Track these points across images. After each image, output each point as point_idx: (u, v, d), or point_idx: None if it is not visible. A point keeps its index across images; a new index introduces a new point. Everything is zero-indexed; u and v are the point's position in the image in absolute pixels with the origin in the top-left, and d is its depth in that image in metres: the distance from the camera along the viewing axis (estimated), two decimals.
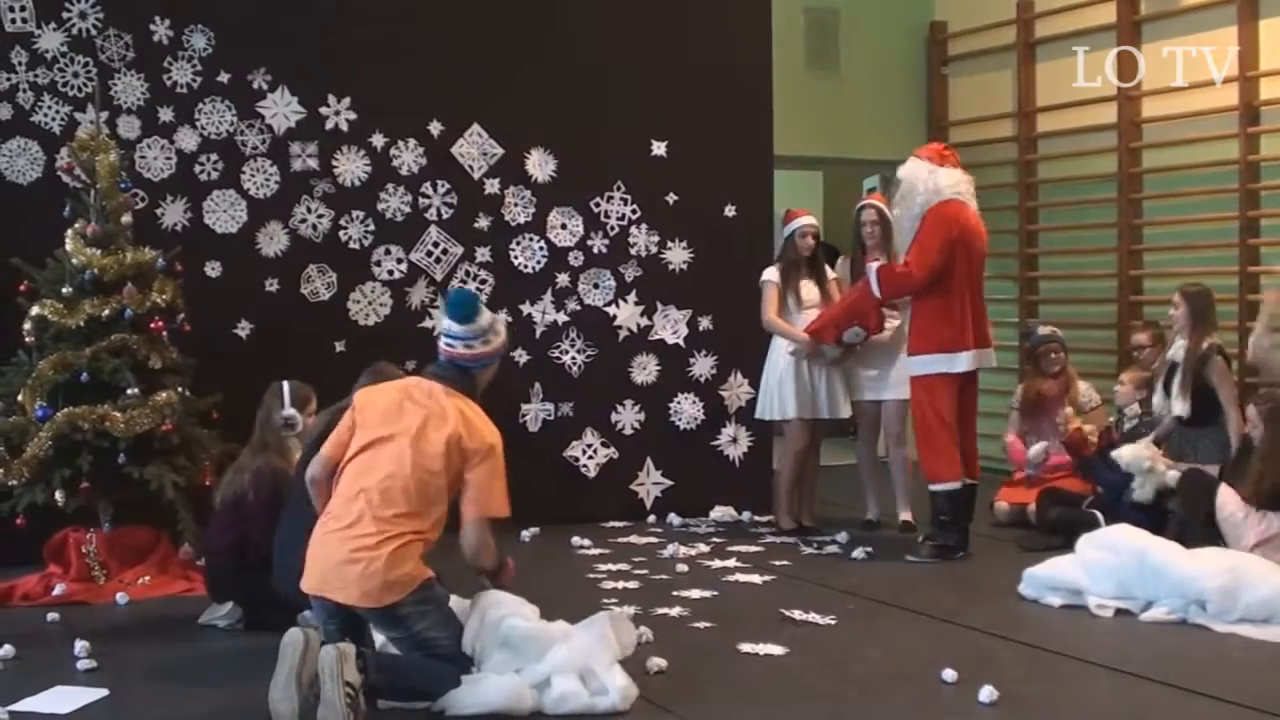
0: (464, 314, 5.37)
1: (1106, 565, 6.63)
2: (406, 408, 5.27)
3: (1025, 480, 9.07)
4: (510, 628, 5.20)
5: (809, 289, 8.75)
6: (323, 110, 8.74)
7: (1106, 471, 8.17)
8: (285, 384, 6.70)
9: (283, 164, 8.66)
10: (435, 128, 8.99)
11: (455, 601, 5.58)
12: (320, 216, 8.75)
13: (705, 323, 9.62)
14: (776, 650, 5.94)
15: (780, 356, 8.67)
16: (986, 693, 5.15)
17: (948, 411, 7.84)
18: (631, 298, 9.47)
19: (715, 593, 7.14)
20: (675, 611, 6.68)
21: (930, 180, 7.98)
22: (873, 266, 8.13)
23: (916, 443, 8.06)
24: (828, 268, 9.16)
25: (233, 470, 6.57)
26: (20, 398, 7.03)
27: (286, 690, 4.76)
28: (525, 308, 9.24)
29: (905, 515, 8.93)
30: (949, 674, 5.43)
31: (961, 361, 7.82)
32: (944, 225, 7.82)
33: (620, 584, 7.34)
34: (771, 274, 8.80)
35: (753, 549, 8.32)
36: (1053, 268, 11.53)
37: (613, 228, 9.45)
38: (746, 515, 9.41)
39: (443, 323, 5.46)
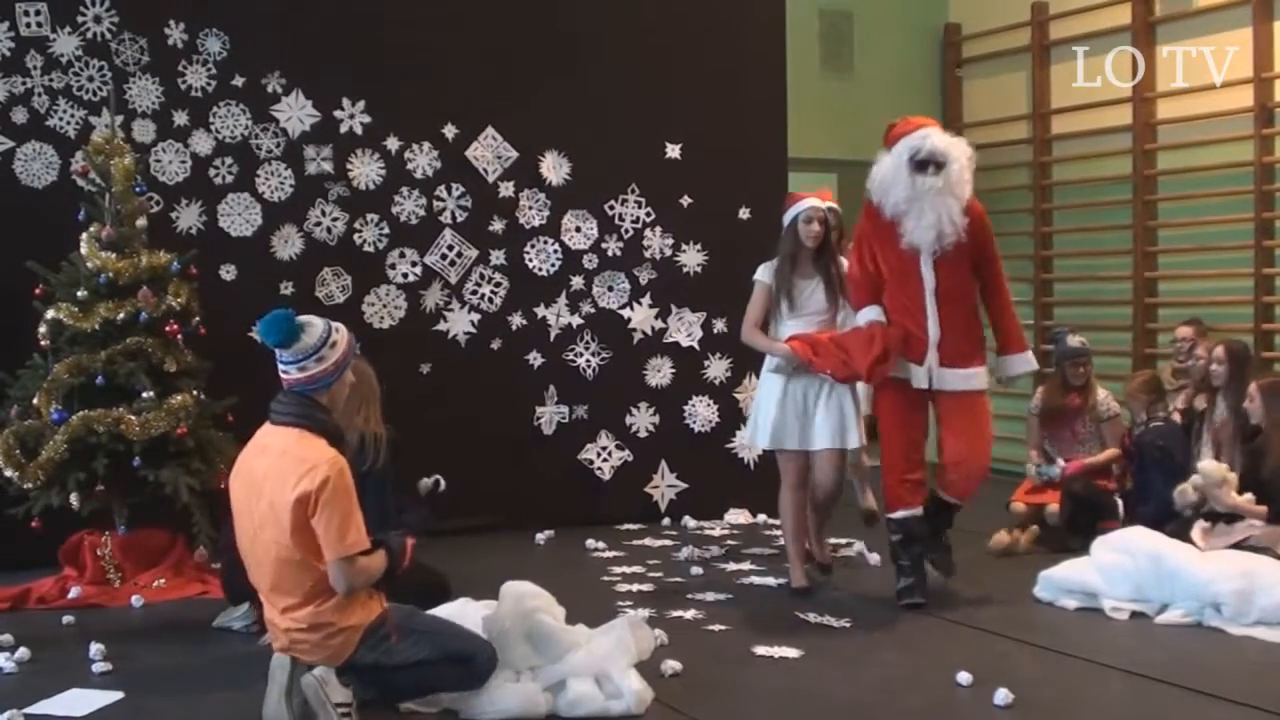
0: (277, 339, 4.90)
1: (1122, 568, 6.61)
2: (248, 502, 4.93)
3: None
4: (539, 623, 5.24)
5: (810, 291, 7.16)
6: (337, 114, 8.75)
7: (1139, 505, 8.14)
8: None
9: (297, 167, 8.67)
10: (450, 131, 9.00)
11: (462, 604, 5.60)
12: (335, 220, 8.76)
13: (719, 325, 9.61)
14: (791, 653, 5.94)
15: (765, 374, 7.27)
16: (1001, 695, 5.14)
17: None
18: (646, 300, 9.47)
19: (730, 596, 7.13)
20: (690, 614, 6.68)
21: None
22: None
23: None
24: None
25: None
26: (36, 401, 7.04)
27: (279, 710, 4.80)
28: (540, 310, 9.24)
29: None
30: (964, 676, 5.42)
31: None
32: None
33: (635, 587, 7.34)
34: (763, 272, 7.28)
35: (767, 552, 8.31)
36: (1067, 270, 11.51)
37: (627, 230, 9.45)
38: (761, 518, 9.41)
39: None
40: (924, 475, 6.91)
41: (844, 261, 7.26)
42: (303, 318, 5.03)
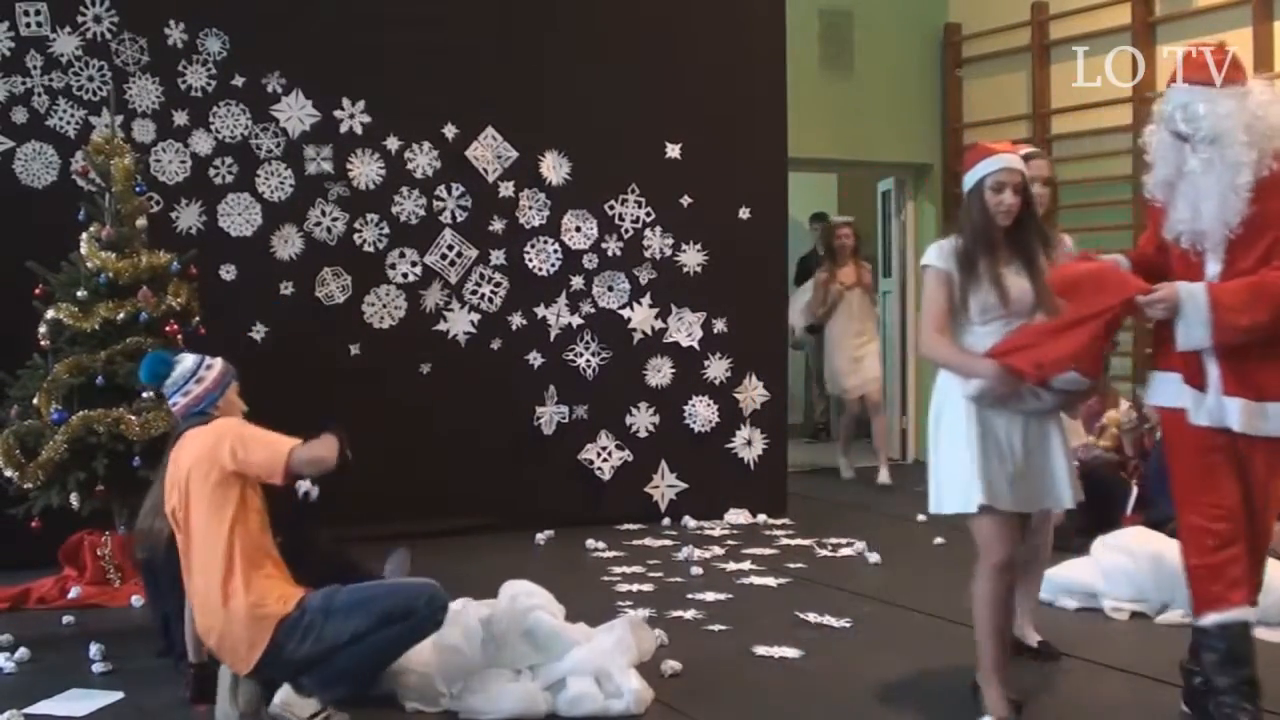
0: (153, 378, 5.42)
1: (1122, 568, 6.61)
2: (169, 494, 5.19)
3: None
4: (537, 621, 5.25)
5: (1014, 282, 4.91)
6: (337, 113, 8.75)
7: (1163, 504, 8.16)
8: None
9: (297, 167, 8.67)
10: (449, 131, 9.00)
11: (462, 603, 5.59)
12: (335, 220, 8.76)
13: (720, 325, 9.61)
14: (791, 653, 5.94)
15: (951, 403, 4.95)
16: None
17: None
18: (646, 300, 9.47)
19: (730, 596, 7.13)
20: (690, 614, 6.67)
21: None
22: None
23: None
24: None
25: (153, 512, 6.27)
26: (36, 401, 7.02)
27: (227, 711, 4.86)
28: (540, 310, 9.24)
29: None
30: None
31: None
32: None
33: (635, 587, 7.34)
34: (936, 254, 5.01)
35: (767, 552, 8.31)
36: None
37: (627, 230, 9.45)
38: (761, 518, 9.42)
39: None
40: (1243, 552, 4.73)
41: (1064, 241, 5.51)
42: (175, 356, 5.52)
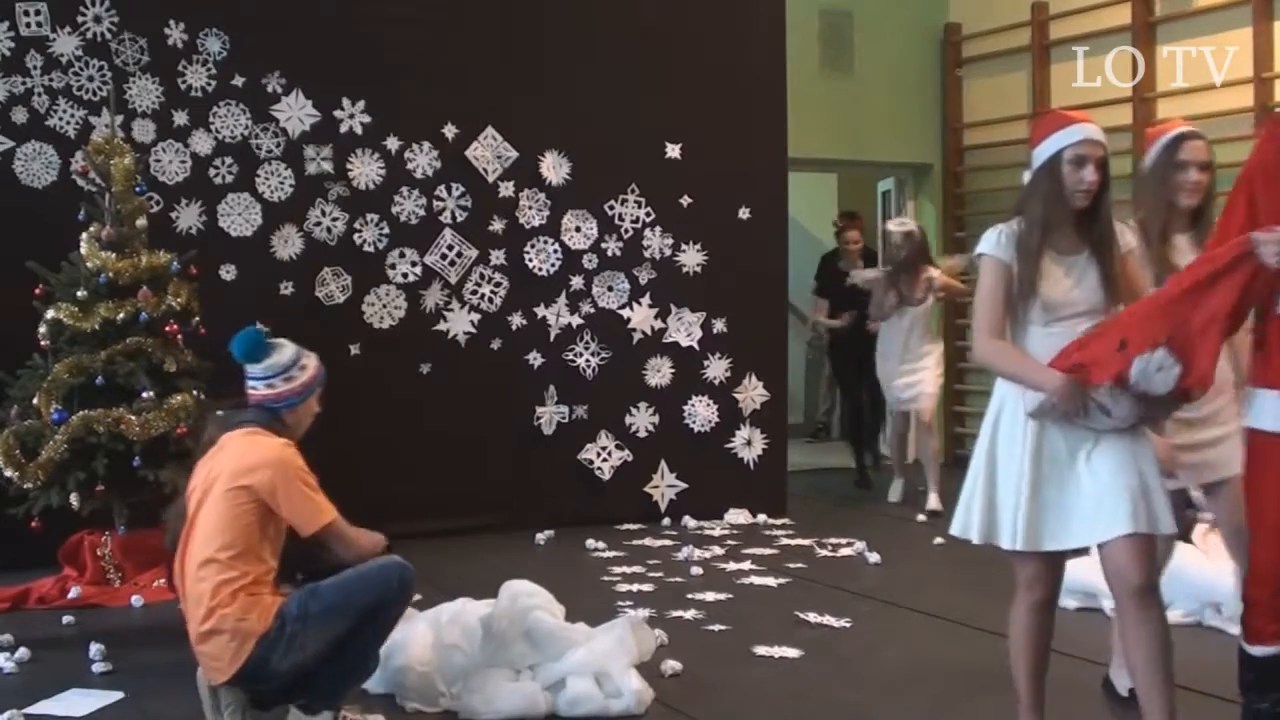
0: (248, 353, 5.00)
1: None
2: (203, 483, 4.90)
3: None
4: (536, 621, 5.24)
5: (1076, 278, 4.25)
6: (337, 113, 8.75)
7: None
8: (223, 414, 6.32)
9: (297, 167, 8.67)
10: (449, 131, 9.00)
11: (462, 603, 5.59)
12: (335, 220, 8.76)
13: (719, 325, 9.62)
14: (791, 653, 5.94)
15: (1010, 412, 4.23)
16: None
17: None
18: (646, 300, 9.47)
19: (730, 595, 7.13)
20: (690, 614, 6.68)
21: None
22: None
23: None
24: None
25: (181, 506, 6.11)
26: (36, 401, 7.02)
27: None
28: (540, 310, 9.24)
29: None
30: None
31: None
32: None
33: (635, 587, 7.34)
34: (993, 242, 4.24)
35: (767, 551, 8.32)
36: None
37: (627, 230, 9.45)
38: (761, 518, 9.42)
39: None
40: None
41: (1127, 233, 4.42)
42: (275, 339, 5.10)
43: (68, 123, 8.15)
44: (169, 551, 5.81)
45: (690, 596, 7.06)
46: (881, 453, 11.79)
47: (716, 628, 6.43)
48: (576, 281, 9.33)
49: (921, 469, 10.03)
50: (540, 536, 8.75)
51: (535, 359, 9.21)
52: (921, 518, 9.24)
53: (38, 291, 7.29)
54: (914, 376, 9.90)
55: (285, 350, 5.07)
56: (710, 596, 7.07)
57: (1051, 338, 4.14)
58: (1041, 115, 4.53)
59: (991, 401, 4.34)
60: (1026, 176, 4.31)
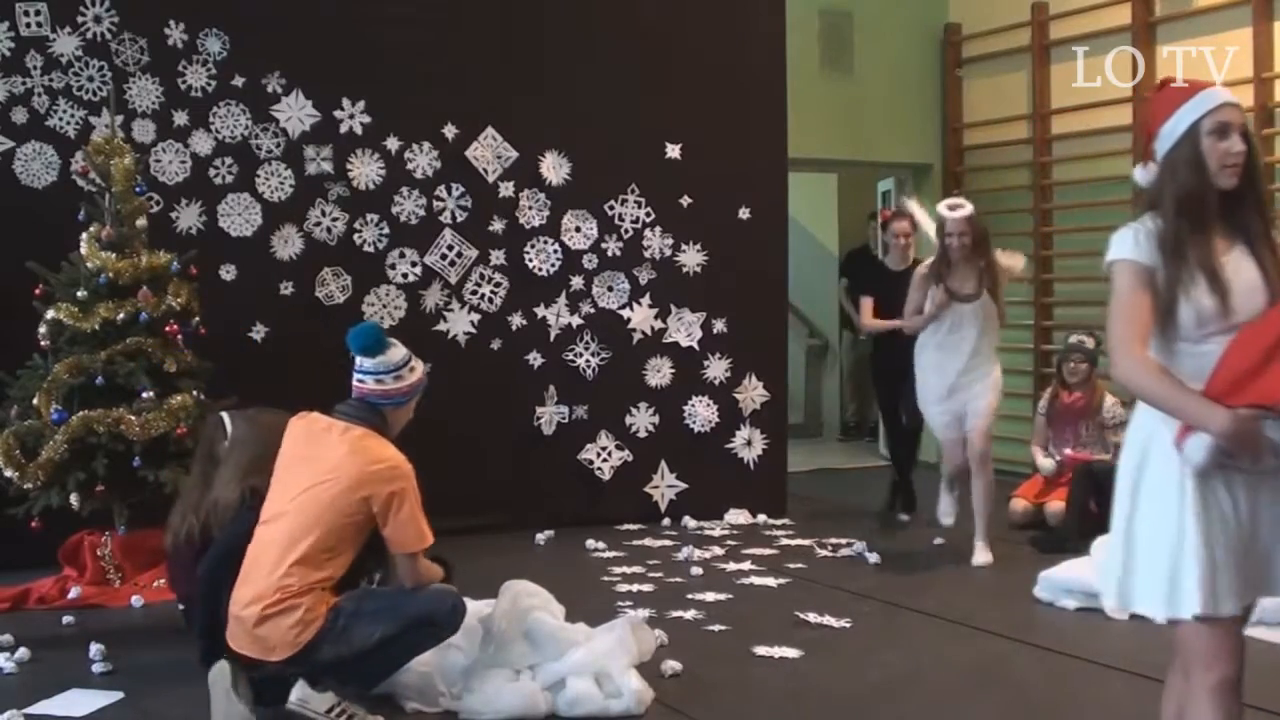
0: (366, 346, 5.10)
1: None
2: (298, 470, 5.05)
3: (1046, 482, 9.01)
4: (536, 621, 5.25)
5: (1240, 274, 3.47)
6: (337, 114, 8.74)
7: None
8: (225, 415, 6.21)
9: (297, 167, 8.67)
10: (450, 131, 9.00)
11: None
12: (335, 220, 8.76)
13: (719, 325, 9.61)
14: (791, 653, 5.94)
15: (1159, 452, 3.43)
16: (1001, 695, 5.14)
17: None
18: (646, 300, 9.47)
19: (730, 596, 7.13)
20: (690, 614, 6.67)
21: None
22: None
23: None
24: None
25: (183, 508, 6.00)
26: (36, 401, 7.03)
27: (229, 708, 4.77)
28: (540, 310, 9.24)
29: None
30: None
31: None
32: None
33: (635, 587, 7.34)
34: (1129, 243, 3.52)
35: (767, 552, 8.31)
36: (1068, 270, 11.49)
37: (627, 230, 9.44)
38: (761, 518, 9.42)
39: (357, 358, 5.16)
40: None
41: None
42: (390, 339, 5.21)
43: (68, 123, 8.15)
44: (169, 550, 5.87)
45: (690, 596, 7.06)
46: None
47: (716, 628, 6.43)
48: (576, 282, 9.33)
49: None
50: (540, 536, 8.75)
51: (535, 359, 9.21)
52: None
53: (38, 291, 7.30)
54: (963, 395, 7.94)
55: (398, 349, 5.18)
56: (710, 596, 7.07)
57: (1204, 358, 3.38)
58: (1161, 89, 3.70)
59: (1132, 434, 3.55)
60: (1140, 174, 3.70)
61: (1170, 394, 3.31)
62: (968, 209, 7.95)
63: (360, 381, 5.13)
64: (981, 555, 7.88)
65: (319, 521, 4.85)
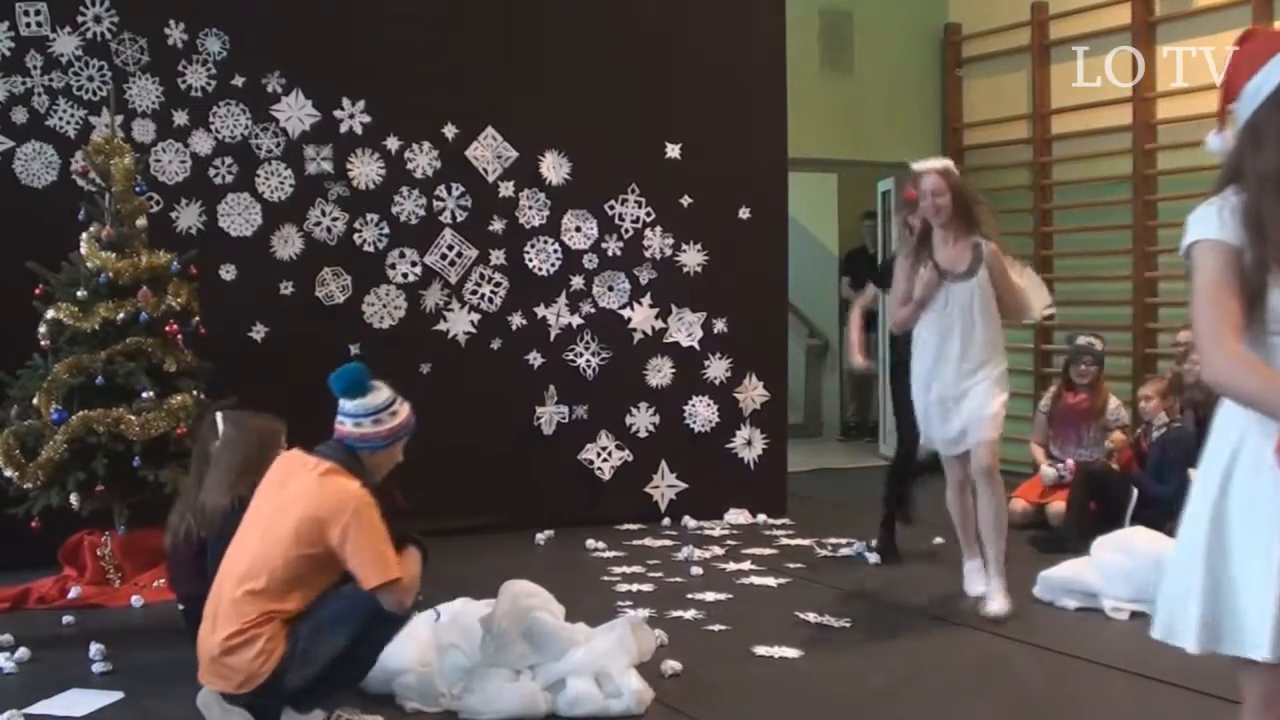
0: (347, 388, 4.94)
1: (1122, 568, 6.60)
2: (265, 497, 4.93)
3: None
4: (536, 621, 5.24)
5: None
6: (337, 113, 8.74)
7: (1156, 485, 8.17)
8: (219, 415, 6.20)
9: (297, 167, 8.66)
10: (450, 131, 8.99)
11: (462, 603, 5.59)
12: (335, 219, 8.76)
13: (720, 325, 9.61)
14: (791, 653, 5.94)
15: (1248, 462, 2.91)
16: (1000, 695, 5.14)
17: None
18: (646, 300, 9.46)
19: (730, 596, 7.13)
20: (690, 614, 6.67)
21: None
22: None
23: None
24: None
25: (182, 508, 6.05)
26: (35, 401, 7.03)
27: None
28: (540, 310, 9.23)
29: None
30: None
31: None
32: None
33: (635, 587, 7.33)
34: (1210, 221, 3.08)
35: (767, 552, 8.31)
36: (1068, 270, 11.50)
37: (627, 230, 9.44)
38: (761, 518, 9.42)
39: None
40: None
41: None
42: (373, 381, 5.06)
43: (68, 123, 8.15)
44: (169, 550, 5.86)
45: (690, 596, 7.06)
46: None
47: (716, 628, 6.43)
48: (577, 281, 9.32)
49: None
50: (540, 536, 8.75)
51: (535, 359, 9.20)
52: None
53: (38, 291, 7.30)
54: (963, 405, 6.63)
55: (380, 393, 5.03)
56: (710, 596, 7.07)
57: None
58: (1245, 40, 3.07)
59: (1215, 440, 3.02)
60: (1215, 141, 3.17)
61: (1276, 395, 2.75)
62: (943, 162, 6.80)
63: (340, 423, 4.95)
64: (996, 603, 6.54)
65: (276, 553, 4.69)
